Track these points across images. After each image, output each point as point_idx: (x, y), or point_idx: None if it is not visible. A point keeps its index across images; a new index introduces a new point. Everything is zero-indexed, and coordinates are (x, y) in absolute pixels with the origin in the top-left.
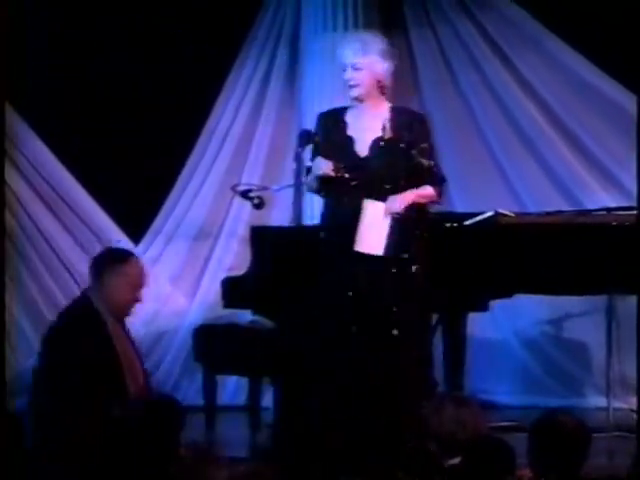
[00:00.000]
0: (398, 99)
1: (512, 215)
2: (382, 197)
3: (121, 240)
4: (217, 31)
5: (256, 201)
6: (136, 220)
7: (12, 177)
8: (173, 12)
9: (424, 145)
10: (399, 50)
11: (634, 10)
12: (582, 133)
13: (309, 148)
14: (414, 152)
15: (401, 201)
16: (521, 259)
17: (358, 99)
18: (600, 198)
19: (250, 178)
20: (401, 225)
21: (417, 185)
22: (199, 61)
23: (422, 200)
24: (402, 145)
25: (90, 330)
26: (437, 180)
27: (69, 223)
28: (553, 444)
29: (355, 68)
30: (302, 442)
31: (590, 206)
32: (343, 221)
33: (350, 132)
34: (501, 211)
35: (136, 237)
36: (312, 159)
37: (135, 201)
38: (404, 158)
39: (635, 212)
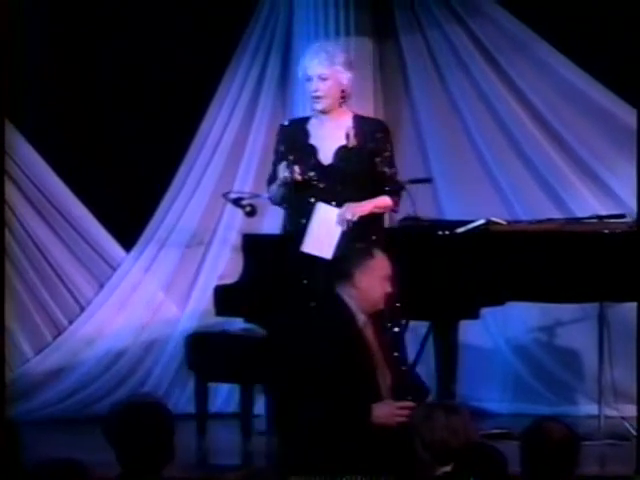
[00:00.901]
0: (389, 105)
1: (504, 223)
2: (344, 204)
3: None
4: (209, 37)
5: (248, 209)
6: (128, 227)
7: (6, 188)
8: (165, 20)
9: (387, 153)
10: (390, 55)
11: (622, 15)
12: (572, 139)
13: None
14: (377, 160)
15: (356, 210)
16: (512, 267)
17: (324, 111)
18: (590, 204)
19: (242, 185)
20: (353, 233)
21: (379, 193)
22: (191, 68)
23: (379, 210)
24: (365, 153)
25: (342, 328)
26: (396, 189)
27: (62, 232)
28: (542, 452)
29: (322, 79)
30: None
31: (580, 213)
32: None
33: (313, 141)
34: (493, 219)
35: (128, 245)
36: (273, 169)
37: (127, 209)
38: (368, 166)
39: (625, 220)
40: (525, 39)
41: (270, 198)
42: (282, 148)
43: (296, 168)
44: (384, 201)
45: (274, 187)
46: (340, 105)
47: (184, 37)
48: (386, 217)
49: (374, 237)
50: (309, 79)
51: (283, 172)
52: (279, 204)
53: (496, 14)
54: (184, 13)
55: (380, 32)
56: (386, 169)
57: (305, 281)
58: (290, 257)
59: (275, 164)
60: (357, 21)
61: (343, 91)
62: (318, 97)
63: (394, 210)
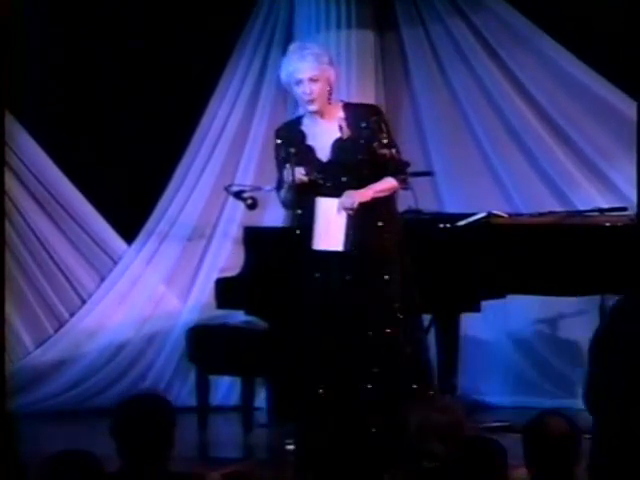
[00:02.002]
0: (390, 98)
1: (505, 216)
2: None
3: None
4: (210, 31)
5: (249, 202)
6: (129, 220)
7: (7, 180)
8: (167, 14)
9: (383, 135)
10: (391, 48)
11: (624, 8)
12: (574, 132)
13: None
14: (375, 145)
15: (355, 197)
16: (514, 259)
17: (318, 112)
18: (591, 198)
19: (244, 178)
20: (359, 220)
21: (383, 176)
22: (192, 62)
23: (382, 194)
24: (362, 141)
25: None
26: (401, 167)
27: (63, 225)
28: (543, 445)
29: (313, 80)
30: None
31: (581, 206)
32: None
33: (309, 141)
34: (494, 212)
35: (129, 237)
36: (279, 175)
37: (128, 201)
38: (366, 153)
39: (626, 213)
40: (527, 32)
41: (283, 204)
42: (282, 153)
43: (300, 170)
44: (387, 183)
45: (282, 192)
46: (329, 101)
47: (186, 30)
48: None
49: (381, 223)
50: (299, 82)
51: (287, 177)
52: (292, 209)
53: (498, 7)
54: (186, 7)
55: (381, 25)
56: (385, 151)
57: (317, 275)
58: (300, 256)
59: (279, 169)
60: (358, 14)
61: (330, 87)
62: (312, 99)
63: (404, 188)
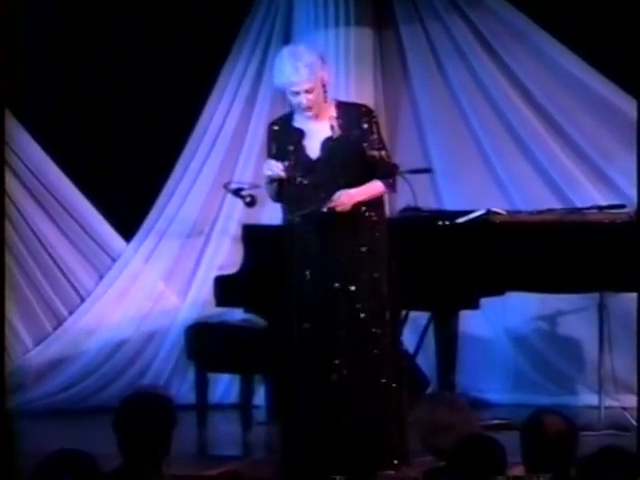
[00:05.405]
0: (389, 95)
1: (504, 213)
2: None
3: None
4: (209, 28)
5: (248, 199)
6: (128, 218)
7: (7, 179)
8: (165, 11)
9: (374, 136)
10: (390, 45)
11: (622, 5)
12: (572, 130)
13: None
14: (365, 145)
15: (345, 201)
16: (513, 257)
17: (314, 117)
18: (590, 195)
19: (242, 176)
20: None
21: (371, 177)
22: (191, 59)
23: (368, 198)
24: (352, 141)
25: None
26: (390, 170)
27: (62, 223)
28: (539, 443)
29: (308, 92)
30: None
31: (580, 203)
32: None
33: (299, 138)
34: (493, 209)
35: (128, 235)
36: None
37: (127, 199)
38: (356, 153)
39: (625, 210)
40: (524, 29)
41: (270, 197)
42: (272, 148)
43: (280, 165)
44: (375, 187)
45: (266, 185)
46: (325, 100)
47: (185, 28)
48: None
49: (375, 235)
50: (295, 93)
51: (267, 170)
52: (277, 201)
53: (496, 4)
54: (185, 6)
55: (380, 23)
56: (375, 152)
57: (307, 274)
58: (288, 251)
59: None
60: (357, 12)
61: (324, 86)
62: (308, 107)
63: (392, 191)
